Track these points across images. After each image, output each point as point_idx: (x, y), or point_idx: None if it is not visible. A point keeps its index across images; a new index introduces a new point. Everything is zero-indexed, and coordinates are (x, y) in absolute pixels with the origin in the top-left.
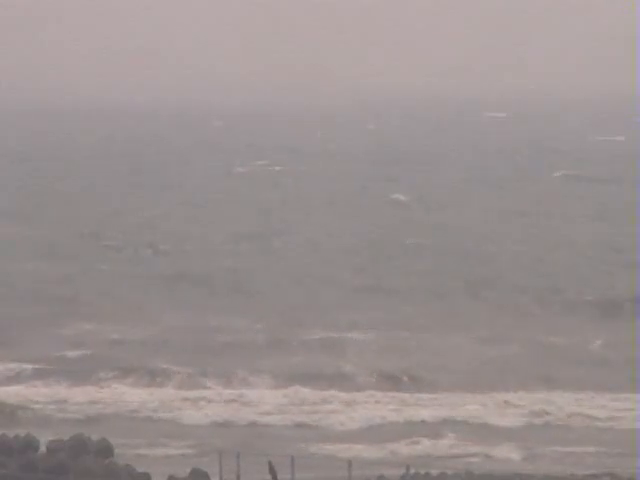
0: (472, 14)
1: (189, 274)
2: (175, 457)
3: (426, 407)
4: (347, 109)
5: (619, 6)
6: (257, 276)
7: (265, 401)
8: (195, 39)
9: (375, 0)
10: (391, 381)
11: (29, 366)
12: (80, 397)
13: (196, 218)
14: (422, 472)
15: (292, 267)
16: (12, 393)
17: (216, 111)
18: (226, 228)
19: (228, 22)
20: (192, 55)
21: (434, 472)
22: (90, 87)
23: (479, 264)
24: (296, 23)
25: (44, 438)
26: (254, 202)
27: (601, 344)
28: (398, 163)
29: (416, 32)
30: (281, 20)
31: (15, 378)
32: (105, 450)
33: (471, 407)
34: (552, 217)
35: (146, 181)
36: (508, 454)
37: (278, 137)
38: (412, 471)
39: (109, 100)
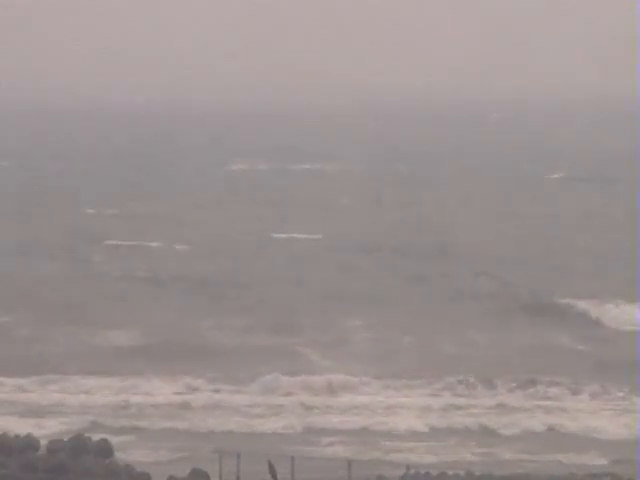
0: (472, 14)
1: (190, 275)
2: None
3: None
4: (347, 109)
5: (619, 6)
6: (255, 279)
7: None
8: (195, 39)
9: (375, 0)
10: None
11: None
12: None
13: (195, 219)
14: (422, 472)
15: (288, 268)
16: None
17: (216, 111)
18: (225, 229)
19: (228, 22)
20: (192, 55)
21: (434, 472)
22: (90, 87)
23: (467, 265)
24: (296, 23)
25: (44, 438)
26: (253, 202)
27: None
28: (397, 163)
29: (416, 32)
30: (281, 20)
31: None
32: (105, 450)
33: None
34: (545, 218)
35: (146, 182)
36: None
37: (278, 137)
38: (412, 471)
39: (109, 100)
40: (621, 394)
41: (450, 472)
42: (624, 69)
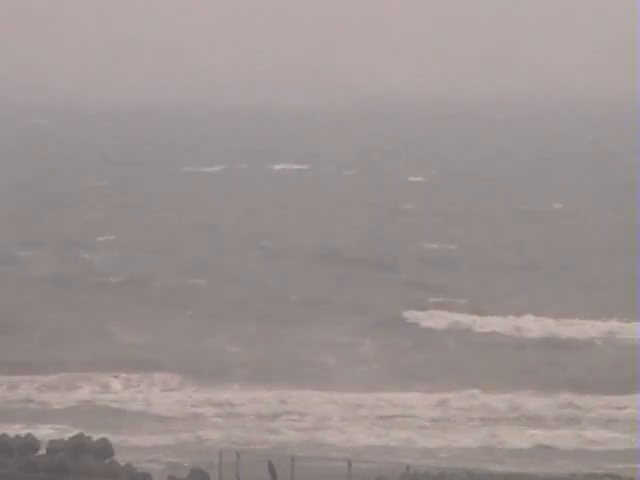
0: (472, 14)
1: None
2: None
3: None
4: (347, 109)
5: (619, 6)
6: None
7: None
8: (195, 39)
9: (375, 0)
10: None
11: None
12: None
13: (191, 221)
14: (422, 472)
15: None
16: None
17: (216, 111)
18: (224, 233)
19: (228, 22)
20: (192, 55)
21: (434, 472)
22: (90, 87)
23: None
24: (296, 23)
25: (44, 438)
26: (252, 204)
27: None
28: (396, 164)
29: (416, 32)
30: (281, 20)
31: None
32: (105, 450)
33: None
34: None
35: (145, 183)
36: None
37: (278, 137)
38: (412, 471)
39: (109, 100)
40: None
41: (450, 472)
42: (624, 69)
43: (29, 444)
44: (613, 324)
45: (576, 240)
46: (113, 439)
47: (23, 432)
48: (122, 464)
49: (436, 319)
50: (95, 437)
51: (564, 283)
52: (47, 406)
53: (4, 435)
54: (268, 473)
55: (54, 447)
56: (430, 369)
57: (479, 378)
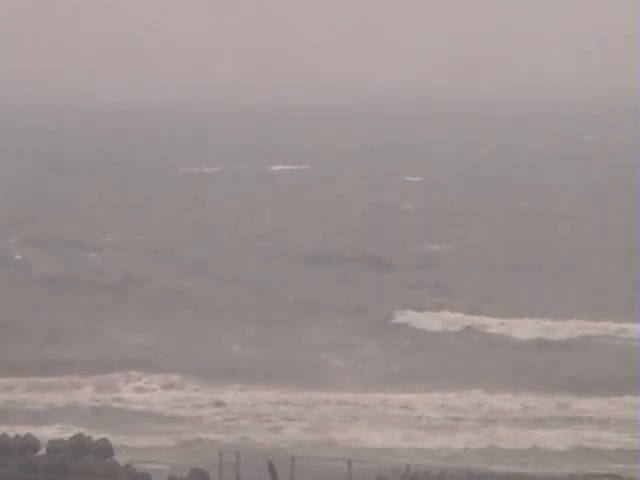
0: (472, 14)
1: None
2: None
3: None
4: (347, 109)
5: (619, 6)
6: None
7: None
8: (195, 39)
9: (375, 0)
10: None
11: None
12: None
13: (191, 221)
14: (422, 472)
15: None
16: None
17: (216, 111)
18: (224, 233)
19: (228, 22)
20: (192, 55)
21: (434, 472)
22: (90, 87)
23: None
24: (296, 23)
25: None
26: (251, 204)
27: None
28: (396, 164)
29: (416, 32)
30: (281, 20)
31: None
32: (105, 450)
33: None
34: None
35: (145, 183)
36: None
37: (278, 137)
38: (412, 471)
39: (109, 100)
40: None
41: (450, 472)
42: (623, 69)
43: (29, 444)
44: (612, 324)
45: (576, 240)
46: (113, 439)
47: (23, 432)
48: (122, 464)
49: (435, 319)
50: (95, 437)
51: (564, 283)
52: (47, 406)
53: (4, 435)
54: (268, 473)
55: (54, 447)
56: (430, 369)
57: (479, 378)
